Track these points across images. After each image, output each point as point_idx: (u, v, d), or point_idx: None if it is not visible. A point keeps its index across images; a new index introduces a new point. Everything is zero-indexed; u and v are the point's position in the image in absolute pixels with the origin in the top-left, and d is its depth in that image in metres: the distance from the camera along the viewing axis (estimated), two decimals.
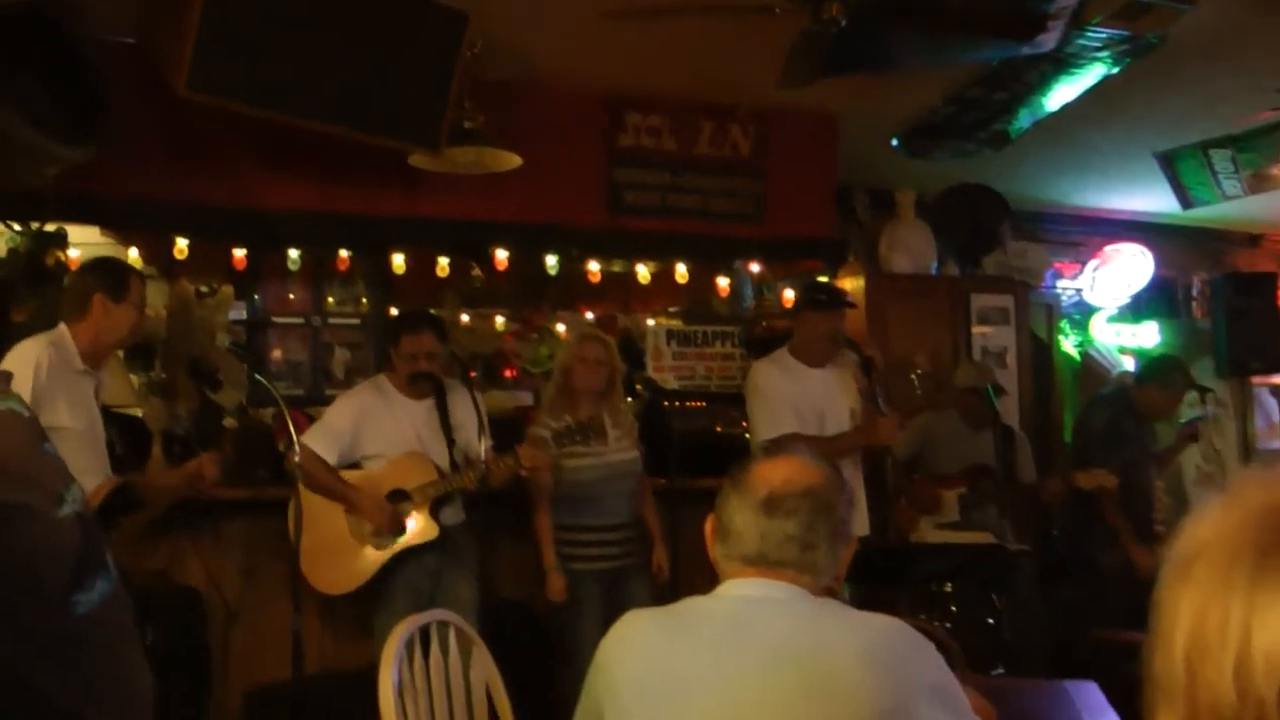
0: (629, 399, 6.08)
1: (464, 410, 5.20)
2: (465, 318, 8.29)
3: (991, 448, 6.31)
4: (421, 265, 7.13)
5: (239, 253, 6.72)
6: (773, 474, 2.18)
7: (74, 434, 4.15)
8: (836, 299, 5.50)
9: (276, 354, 7.83)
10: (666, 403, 6.23)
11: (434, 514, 5.04)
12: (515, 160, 5.78)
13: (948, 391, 6.65)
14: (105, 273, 4.53)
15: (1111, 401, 6.49)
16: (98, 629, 1.28)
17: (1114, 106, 6.71)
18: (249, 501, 5.59)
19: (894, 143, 7.15)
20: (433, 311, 6.01)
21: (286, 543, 4.86)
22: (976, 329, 7.66)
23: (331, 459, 5.00)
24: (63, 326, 4.41)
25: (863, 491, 5.42)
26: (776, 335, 6.64)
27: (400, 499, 5.02)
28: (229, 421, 5.90)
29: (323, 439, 5.02)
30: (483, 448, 4.92)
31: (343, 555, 5.03)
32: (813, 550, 2.11)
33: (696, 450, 5.90)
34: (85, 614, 1.26)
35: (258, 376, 5.23)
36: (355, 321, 7.98)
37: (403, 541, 5.03)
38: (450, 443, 5.15)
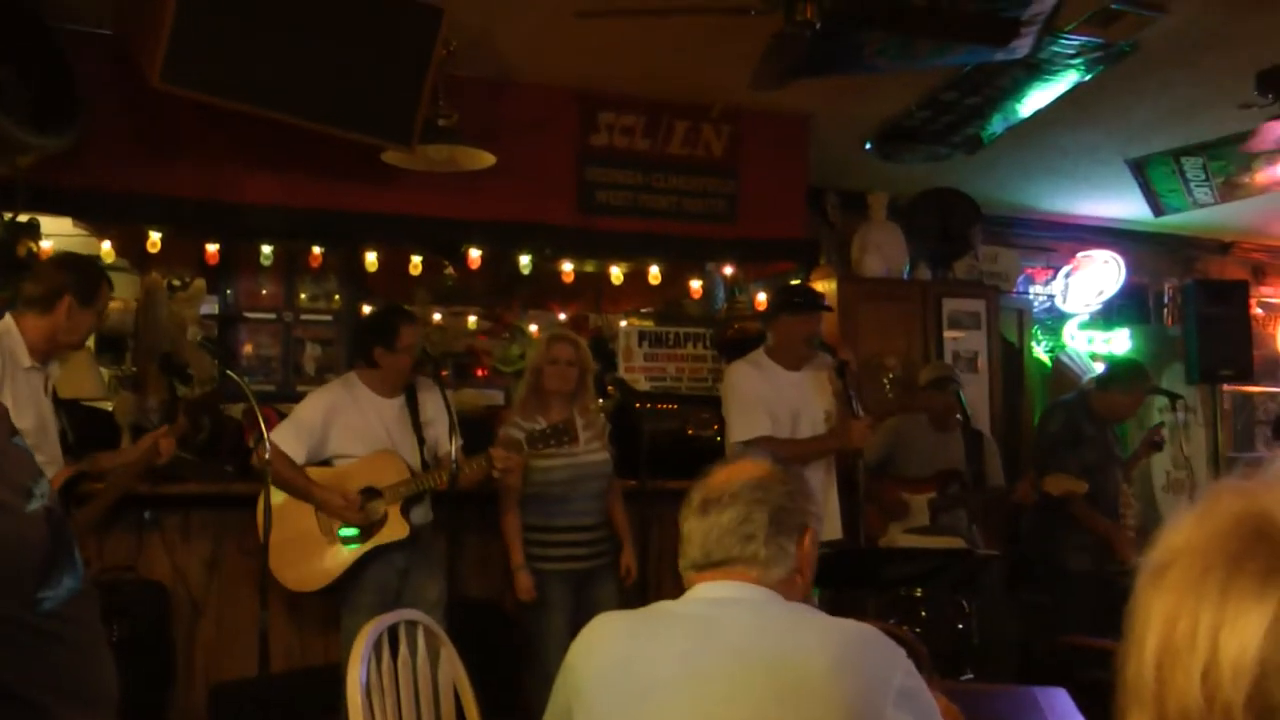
0: (600, 399, 6.08)
1: (434, 408, 5.21)
2: (437, 315, 8.28)
3: (961, 452, 6.35)
4: (394, 262, 7.13)
5: (212, 246, 6.69)
6: (713, 478, 2.20)
7: (22, 433, 4.10)
8: (813, 301, 5.51)
9: (248, 349, 7.81)
10: (638, 404, 6.24)
11: (404, 512, 5.03)
12: (488, 159, 5.79)
13: (917, 395, 6.67)
14: (79, 275, 4.47)
15: (1069, 406, 6.52)
16: (64, 625, 1.27)
17: (1086, 112, 6.76)
18: (217, 496, 5.56)
19: (867, 145, 7.18)
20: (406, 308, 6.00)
21: (254, 538, 4.85)
22: (948, 333, 7.68)
23: (301, 456, 4.98)
24: (9, 319, 4.34)
25: (835, 495, 5.44)
26: (748, 337, 6.66)
27: (372, 497, 5.01)
28: (183, 391, 5.86)
29: (292, 435, 5.00)
30: (453, 447, 4.89)
31: (311, 552, 5.00)
32: (752, 541, 2.10)
33: (667, 452, 5.90)
34: (52, 610, 1.26)
35: (229, 372, 5.18)
36: (327, 318, 7.97)
37: (373, 540, 5.01)
38: (420, 441, 5.15)
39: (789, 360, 5.41)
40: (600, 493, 5.30)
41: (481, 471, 4.95)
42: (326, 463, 5.07)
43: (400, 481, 5.01)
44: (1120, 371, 6.58)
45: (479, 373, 8.42)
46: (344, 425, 5.07)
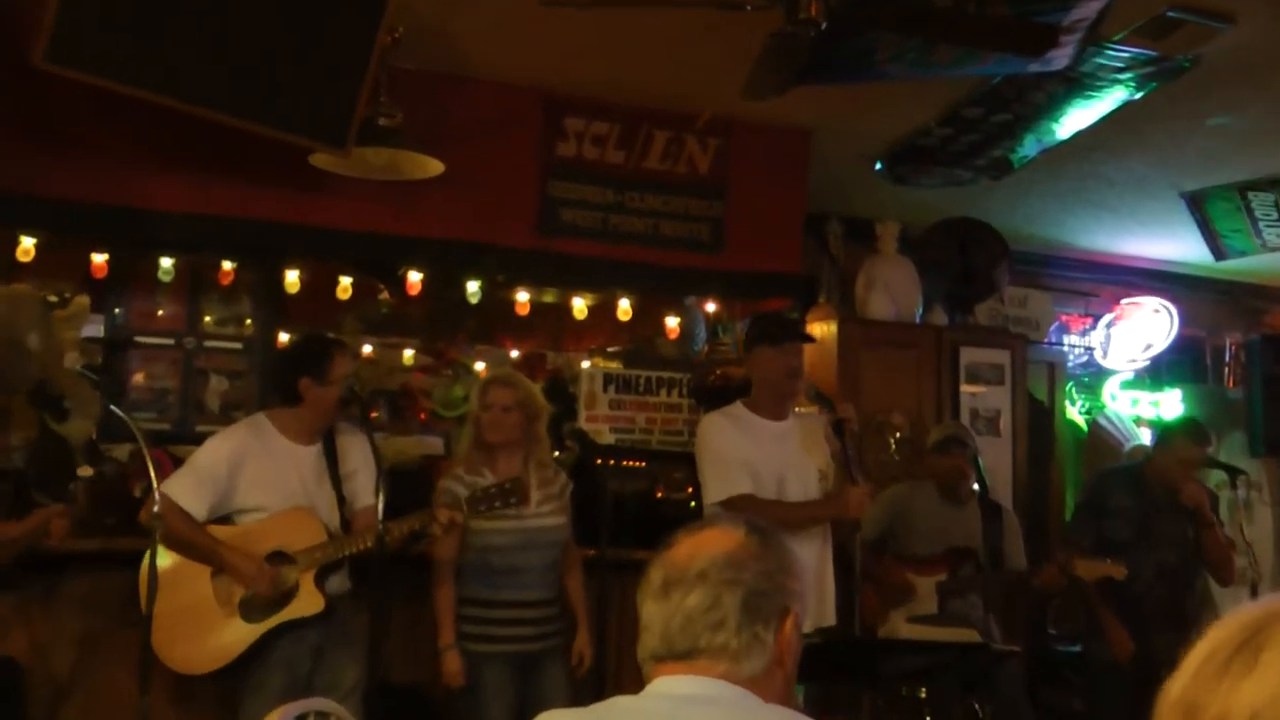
0: (556, 453, 6.10)
1: (359, 457, 5.17)
2: (368, 348, 8.30)
3: (976, 527, 6.37)
4: (319, 283, 7.14)
5: (99, 257, 6.69)
6: (677, 552, 2.16)
7: None
8: (790, 330, 5.57)
9: (139, 379, 7.78)
10: (600, 459, 6.21)
11: (319, 582, 5.01)
12: (435, 166, 5.82)
13: (926, 459, 6.70)
14: None
15: (1112, 474, 6.56)
16: None
17: (1136, 137, 6.81)
18: (93, 555, 5.47)
19: (877, 166, 7.25)
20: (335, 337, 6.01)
21: (136, 608, 4.77)
22: (966, 387, 7.75)
23: (201, 510, 4.91)
24: None
25: (831, 574, 5.44)
26: (732, 385, 6.66)
27: (282, 562, 4.97)
28: (84, 471, 5.83)
29: (191, 485, 4.94)
30: (379, 504, 4.86)
31: (205, 627, 4.93)
32: (721, 629, 2.06)
33: (634, 517, 5.92)
34: None
35: (113, 407, 5.17)
36: (236, 345, 7.95)
37: (282, 613, 4.99)
38: (340, 498, 5.14)
39: (771, 407, 5.40)
40: (553, 563, 5.31)
41: (412, 533, 4.95)
42: (227, 519, 5.03)
43: (316, 545, 4.97)
44: (1174, 428, 6.59)
45: (415, 416, 8.43)
46: (252, 475, 5.02)
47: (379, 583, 4.98)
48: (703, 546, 2.14)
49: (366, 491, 5.07)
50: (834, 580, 5.47)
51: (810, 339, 5.71)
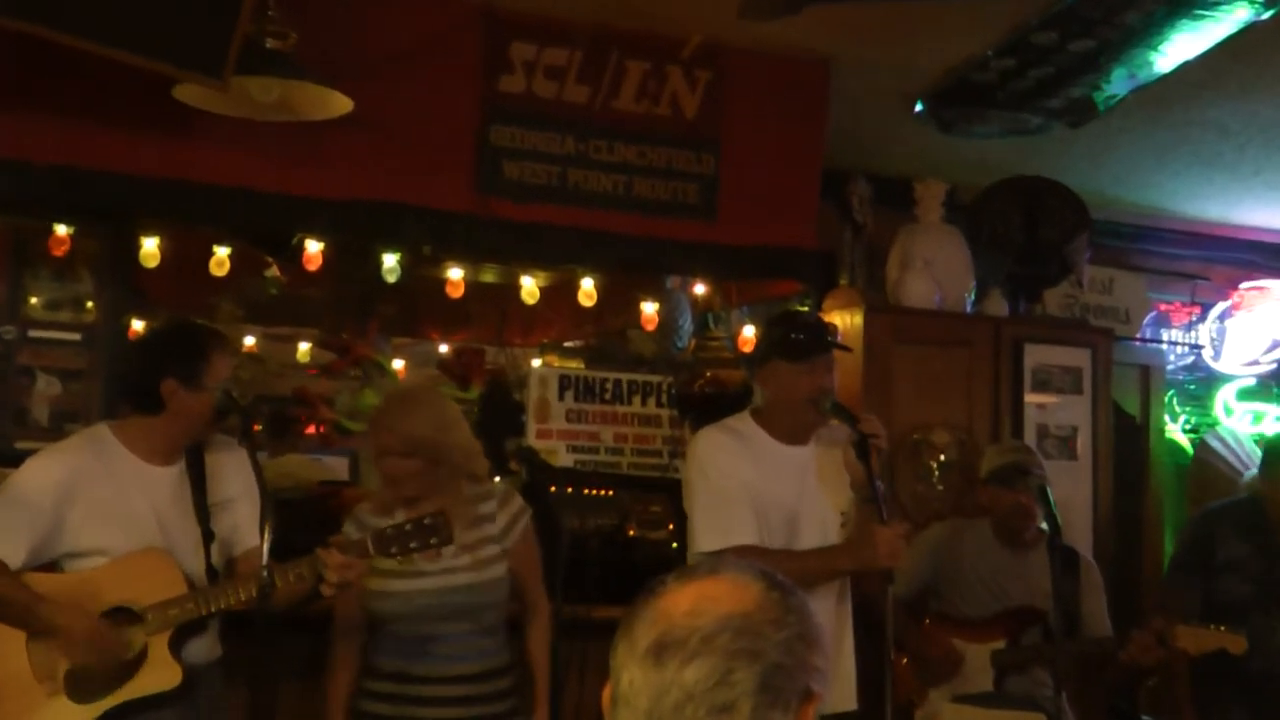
0: (496, 479, 6.05)
1: (236, 482, 5.09)
2: (250, 339, 8.27)
3: (1044, 580, 6.27)
4: (186, 255, 7.11)
5: None
6: (675, 602, 2.13)
7: None
8: (821, 340, 5.42)
9: None
10: (553, 487, 6.21)
11: (175, 647, 4.93)
12: (341, 104, 5.80)
13: (979, 490, 6.65)
14: None
15: (1216, 515, 6.55)
16: None
17: (1263, 72, 6.79)
18: None
19: (917, 109, 7.23)
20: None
21: None
22: (1032, 397, 7.73)
23: (17, 556, 4.81)
24: None
25: (850, 643, 5.39)
26: (726, 393, 6.66)
27: (126, 621, 4.90)
28: None
29: (4, 523, 4.89)
30: (264, 545, 4.79)
31: (18, 711, 4.89)
32: (730, 714, 2.04)
33: (597, 563, 5.88)
34: None
35: None
36: (73, 336, 7.86)
37: (124, 690, 4.92)
38: (207, 535, 5.05)
39: (788, 430, 5.33)
40: (491, 627, 5.25)
41: (306, 585, 4.88)
42: (55, 565, 4.96)
43: (172, 599, 4.87)
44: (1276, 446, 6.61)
45: (311, 429, 8.41)
46: (88, 508, 4.91)
47: (261, 647, 4.90)
48: (710, 600, 2.12)
49: (247, 528, 5.03)
50: (855, 650, 5.43)
51: (844, 348, 5.57)
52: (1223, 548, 6.33)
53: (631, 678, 2.08)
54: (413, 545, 4.89)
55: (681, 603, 2.12)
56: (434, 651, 5.15)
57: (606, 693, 2.17)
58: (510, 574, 5.32)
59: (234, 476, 5.13)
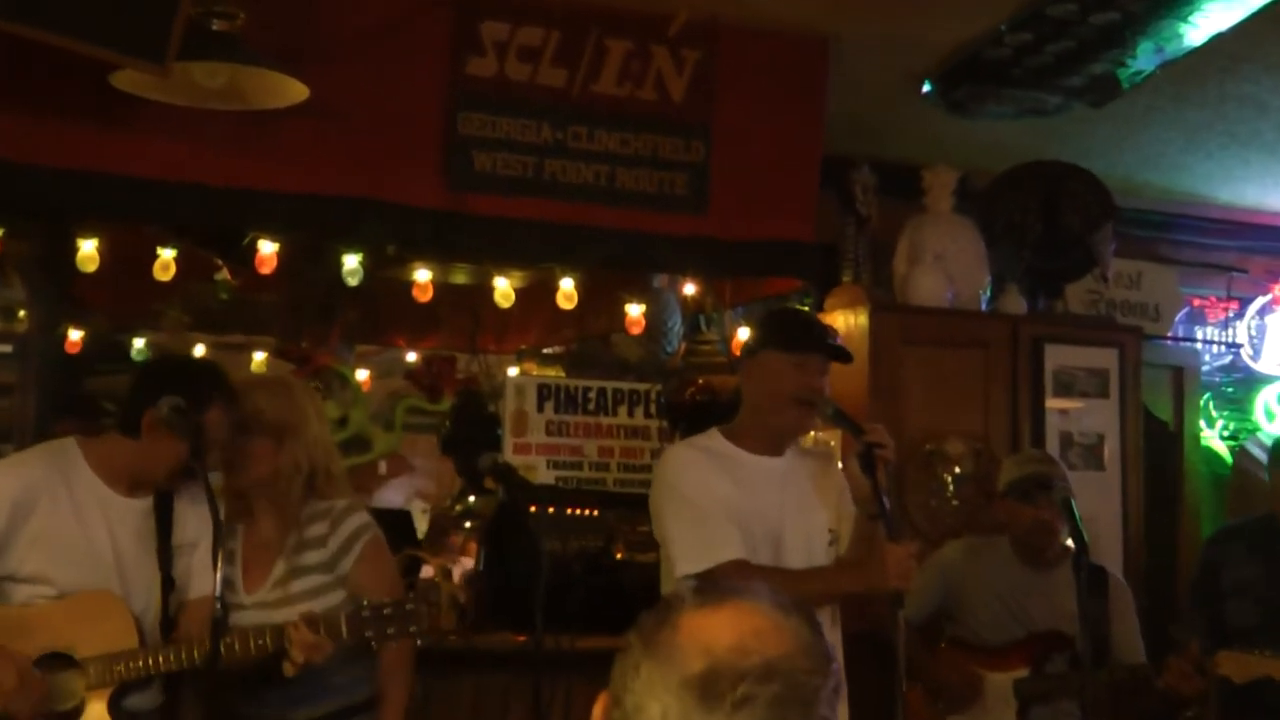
0: (471, 497, 6.07)
1: (197, 523, 4.97)
2: (199, 350, 8.28)
3: (1070, 602, 6.30)
4: (128, 258, 7.10)
5: None
6: (715, 631, 2.09)
7: None
8: (820, 337, 5.40)
9: None
10: (532, 506, 6.21)
11: (115, 705, 4.81)
12: (296, 91, 5.82)
13: (997, 505, 6.65)
14: None
15: (1241, 531, 6.59)
16: None
17: None
18: None
19: (925, 89, 7.26)
20: (143, 340, 5.92)
21: None
22: (1054, 402, 7.74)
23: None
24: None
25: (841, 673, 5.35)
26: (719, 401, 6.66)
27: (63, 668, 4.79)
28: None
29: None
30: (215, 581, 4.58)
31: None
32: None
33: (582, 589, 5.91)
34: None
35: None
36: (4, 348, 7.91)
37: None
38: (167, 582, 4.95)
39: (762, 438, 5.31)
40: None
41: (265, 654, 4.73)
42: None
43: (120, 653, 4.80)
44: None
45: None
46: (41, 529, 4.81)
47: (206, 700, 4.88)
48: (755, 637, 2.08)
49: (201, 571, 4.90)
50: (857, 680, 5.37)
51: (846, 357, 5.44)
52: (1231, 570, 6.36)
53: (666, 710, 2.04)
54: (390, 631, 4.77)
55: (722, 636, 2.07)
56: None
57: (599, 712, 2.16)
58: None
59: (199, 518, 4.93)
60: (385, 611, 4.75)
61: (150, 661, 4.77)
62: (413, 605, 4.78)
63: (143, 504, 4.97)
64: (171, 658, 4.76)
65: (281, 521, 5.10)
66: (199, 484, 4.87)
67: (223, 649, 4.57)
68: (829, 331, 5.53)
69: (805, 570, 5.19)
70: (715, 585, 2.21)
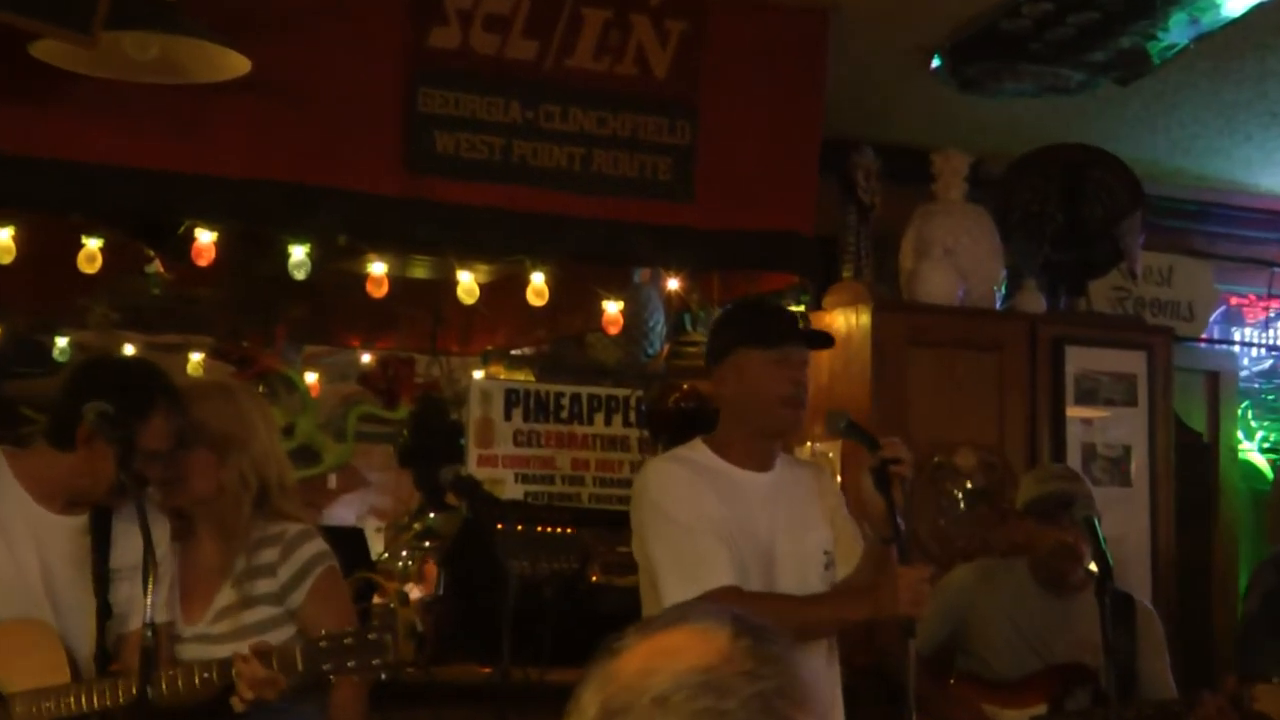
0: (431, 514, 6.12)
1: (140, 543, 4.79)
2: (129, 350, 8.30)
3: (1093, 631, 6.37)
4: (50, 249, 7.14)
5: None
6: (628, 661, 2.07)
7: None
8: (790, 325, 5.45)
9: None
10: (499, 524, 6.25)
11: None
12: (238, 64, 5.84)
13: (1013, 525, 6.74)
14: None
15: None
16: None
17: None
18: None
19: (935, 64, 7.32)
20: (66, 340, 5.92)
21: None
22: (1075, 410, 7.81)
23: None
24: None
25: (839, 706, 5.37)
26: (706, 409, 6.69)
27: None
28: None
29: None
30: (147, 605, 4.58)
31: None
32: None
33: (554, 615, 5.97)
34: None
35: None
36: None
37: None
38: (103, 609, 4.93)
39: (750, 449, 5.35)
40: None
41: (211, 691, 4.69)
42: None
43: (51, 688, 4.80)
44: None
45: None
46: None
47: None
48: (665, 655, 2.03)
49: (141, 602, 4.76)
50: (859, 715, 5.47)
51: (827, 342, 5.57)
52: None
53: None
54: (350, 664, 4.70)
55: (634, 661, 2.04)
56: None
57: None
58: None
59: (135, 537, 4.78)
60: (345, 642, 4.69)
61: (83, 698, 4.73)
62: (375, 635, 4.70)
63: (77, 522, 4.97)
64: (107, 694, 4.71)
65: (226, 545, 5.10)
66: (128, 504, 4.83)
67: (164, 684, 4.58)
68: (800, 317, 5.56)
69: (807, 597, 5.21)
70: (662, 614, 2.19)
